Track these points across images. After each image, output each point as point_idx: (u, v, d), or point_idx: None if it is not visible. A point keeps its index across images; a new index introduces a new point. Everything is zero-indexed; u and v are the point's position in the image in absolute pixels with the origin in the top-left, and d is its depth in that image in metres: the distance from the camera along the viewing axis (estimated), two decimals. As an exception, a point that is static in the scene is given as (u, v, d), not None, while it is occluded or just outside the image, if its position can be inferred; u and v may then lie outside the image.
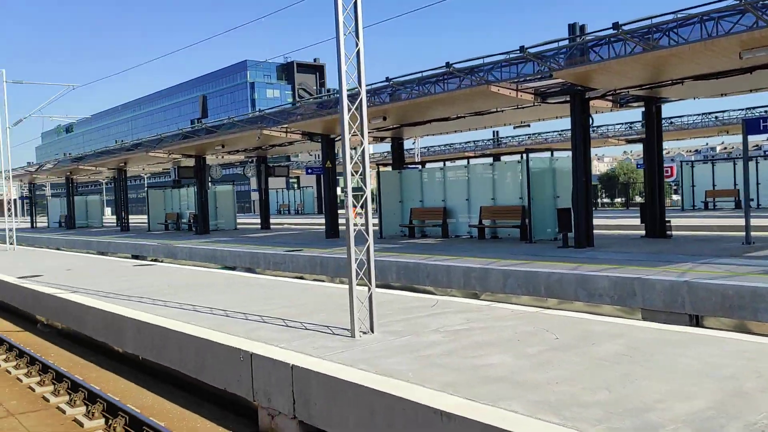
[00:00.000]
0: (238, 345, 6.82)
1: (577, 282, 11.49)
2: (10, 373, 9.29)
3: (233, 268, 19.77)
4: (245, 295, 10.64)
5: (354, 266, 6.97)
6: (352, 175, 7.11)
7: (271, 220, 34.29)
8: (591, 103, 16.06)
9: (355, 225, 7.10)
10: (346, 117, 6.96)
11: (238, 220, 35.89)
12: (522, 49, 13.69)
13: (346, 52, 6.97)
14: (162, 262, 22.33)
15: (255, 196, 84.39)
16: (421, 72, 16.56)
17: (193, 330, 7.74)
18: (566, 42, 15.03)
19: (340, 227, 23.65)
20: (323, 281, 15.12)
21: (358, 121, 7.18)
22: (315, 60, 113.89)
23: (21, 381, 8.81)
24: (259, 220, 38.89)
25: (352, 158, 7.10)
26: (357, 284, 7.05)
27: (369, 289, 7.16)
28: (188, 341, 7.61)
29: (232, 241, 24.22)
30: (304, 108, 22.27)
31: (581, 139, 15.42)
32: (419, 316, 8.15)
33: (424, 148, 46.31)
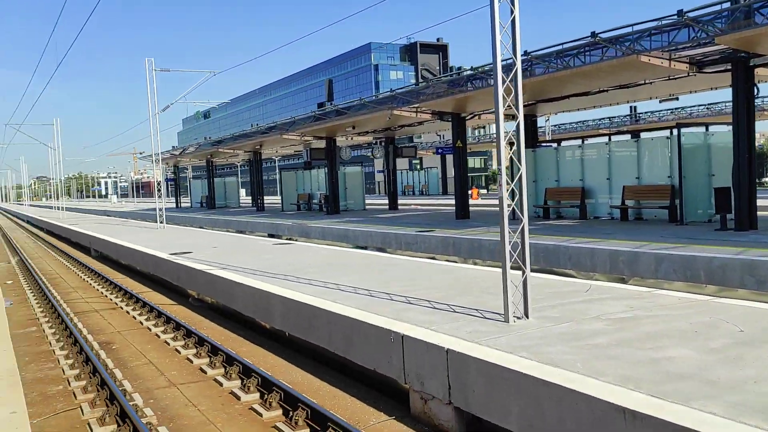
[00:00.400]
0: (389, 326, 6.70)
1: (744, 268, 10.42)
2: (168, 344, 9.82)
3: (365, 248, 19.98)
4: (386, 276, 10.59)
5: (508, 248, 6.61)
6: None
7: (398, 201, 34.47)
8: (755, 71, 14.50)
9: (505, 205, 6.72)
10: (500, 90, 6.57)
11: (365, 201, 36.44)
12: (680, 13, 12.54)
13: (500, 20, 6.57)
14: (296, 240, 23.04)
15: (379, 177, 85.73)
16: (561, 44, 15.69)
17: (342, 309, 7.73)
18: (728, 4, 13.61)
19: (470, 208, 23.25)
20: (455, 262, 14.84)
21: (513, 94, 6.77)
22: (438, 40, 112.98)
23: (179, 353, 9.27)
24: (385, 201, 39.24)
25: (502, 136, 6.69)
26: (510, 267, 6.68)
27: (523, 272, 6.78)
28: (337, 320, 7.61)
29: (362, 221, 24.54)
30: (434, 87, 21.95)
31: (745, 111, 13.97)
32: (574, 301, 7.65)
33: (555, 126, 44.57)
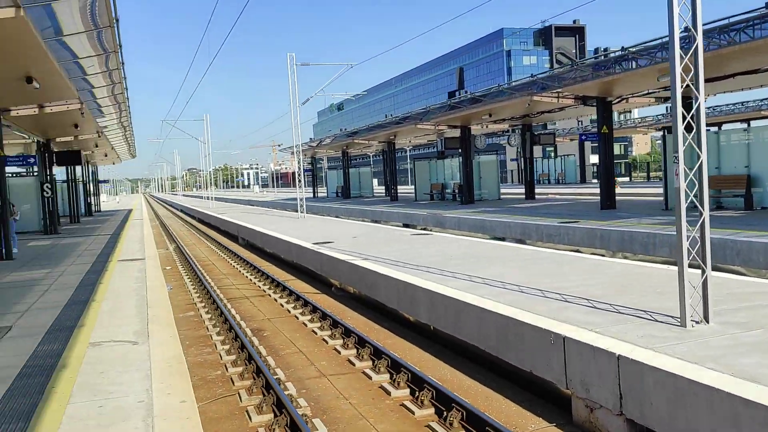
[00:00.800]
0: (549, 327, 6.27)
1: None
2: (316, 333, 9.96)
3: (502, 239, 19.42)
4: (532, 269, 10.08)
5: (686, 244, 5.94)
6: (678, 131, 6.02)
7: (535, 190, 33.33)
8: None
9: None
10: (678, 68, 5.89)
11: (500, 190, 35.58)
12: None
13: (678, -10, 5.88)
14: (432, 231, 22.88)
15: (512, 165, 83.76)
16: (727, 18, 14.22)
17: (494, 306, 7.38)
18: None
19: (616, 198, 21.91)
20: (602, 256, 13.94)
21: (692, 72, 6.05)
22: (574, 22, 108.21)
23: (326, 342, 9.36)
24: (519, 190, 38.15)
25: (679, 119, 6.00)
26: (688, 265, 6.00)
27: (703, 271, 6.07)
28: (488, 317, 7.28)
29: (498, 211, 23.92)
30: (577, 70, 20.83)
31: None
32: (760, 304, 6.78)
33: (709, 108, 41.04)
